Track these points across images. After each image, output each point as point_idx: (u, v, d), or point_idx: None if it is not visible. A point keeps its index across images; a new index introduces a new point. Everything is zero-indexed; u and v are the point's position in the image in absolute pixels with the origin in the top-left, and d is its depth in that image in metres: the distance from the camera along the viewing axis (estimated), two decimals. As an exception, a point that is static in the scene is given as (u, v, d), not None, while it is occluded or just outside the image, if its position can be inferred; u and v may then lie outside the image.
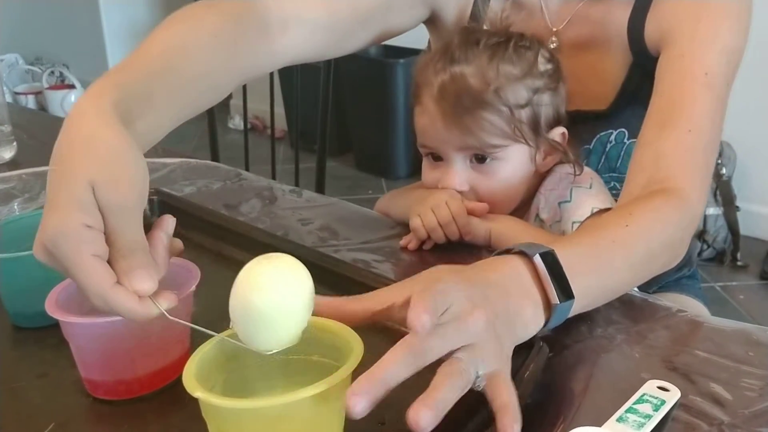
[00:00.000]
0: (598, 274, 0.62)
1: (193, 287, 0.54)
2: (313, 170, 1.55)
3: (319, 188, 1.54)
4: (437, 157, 0.82)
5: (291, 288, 0.46)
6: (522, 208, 0.86)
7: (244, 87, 1.69)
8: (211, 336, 0.48)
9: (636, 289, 0.87)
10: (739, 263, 2.37)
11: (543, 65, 0.80)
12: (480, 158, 0.79)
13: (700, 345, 0.60)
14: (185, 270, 0.56)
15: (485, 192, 0.81)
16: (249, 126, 1.89)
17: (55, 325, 0.53)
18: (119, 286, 0.46)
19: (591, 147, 0.92)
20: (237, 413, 0.41)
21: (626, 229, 0.65)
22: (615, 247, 0.64)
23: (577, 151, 0.84)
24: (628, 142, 0.91)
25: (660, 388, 0.53)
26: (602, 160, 0.92)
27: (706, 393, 0.54)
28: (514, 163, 0.80)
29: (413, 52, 3.23)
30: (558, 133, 0.82)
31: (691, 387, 0.54)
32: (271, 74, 1.74)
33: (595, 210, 0.79)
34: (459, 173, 0.80)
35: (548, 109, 0.80)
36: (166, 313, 0.48)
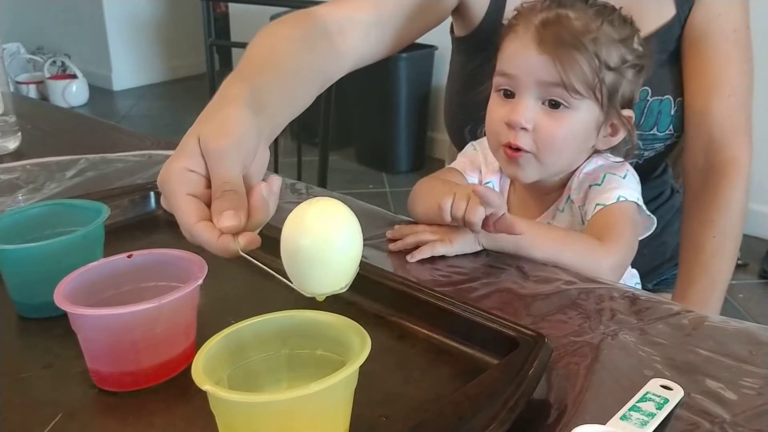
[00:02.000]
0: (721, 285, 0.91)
1: (201, 280, 0.54)
2: (313, 163, 1.55)
3: (322, 182, 1.54)
4: (509, 94, 0.82)
5: (337, 227, 0.47)
6: (558, 190, 0.88)
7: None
8: (280, 279, 0.49)
9: (640, 283, 0.90)
10: (739, 262, 2.36)
11: (636, 44, 0.82)
12: (553, 104, 0.80)
13: (703, 343, 0.61)
14: (193, 264, 0.56)
15: (545, 138, 0.80)
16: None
17: (61, 316, 0.54)
18: (205, 222, 0.51)
19: None
20: (246, 407, 0.42)
21: (715, 240, 0.91)
22: (716, 259, 0.90)
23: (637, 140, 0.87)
24: (651, 100, 0.96)
25: (663, 386, 0.53)
26: None
27: (708, 391, 0.54)
28: (582, 119, 0.81)
29: (416, 47, 3.23)
30: (626, 114, 0.84)
31: (693, 385, 0.54)
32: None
33: (621, 199, 0.81)
34: (529, 109, 0.80)
35: (627, 85, 0.82)
36: (242, 252, 0.50)
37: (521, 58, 0.80)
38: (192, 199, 0.52)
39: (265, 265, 0.51)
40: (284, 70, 0.72)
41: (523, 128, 0.80)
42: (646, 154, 1.00)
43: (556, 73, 0.77)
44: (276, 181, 0.54)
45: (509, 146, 0.82)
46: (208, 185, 0.53)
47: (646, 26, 0.93)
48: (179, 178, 0.52)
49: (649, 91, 0.95)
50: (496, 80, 0.83)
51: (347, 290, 0.64)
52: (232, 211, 0.50)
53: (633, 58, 0.81)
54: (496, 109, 0.83)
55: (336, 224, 0.47)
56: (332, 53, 0.83)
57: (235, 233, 0.51)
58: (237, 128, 0.55)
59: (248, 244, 0.51)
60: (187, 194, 0.52)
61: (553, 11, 0.80)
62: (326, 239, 0.46)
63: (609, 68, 0.79)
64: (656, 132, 0.98)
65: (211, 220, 0.51)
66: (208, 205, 0.52)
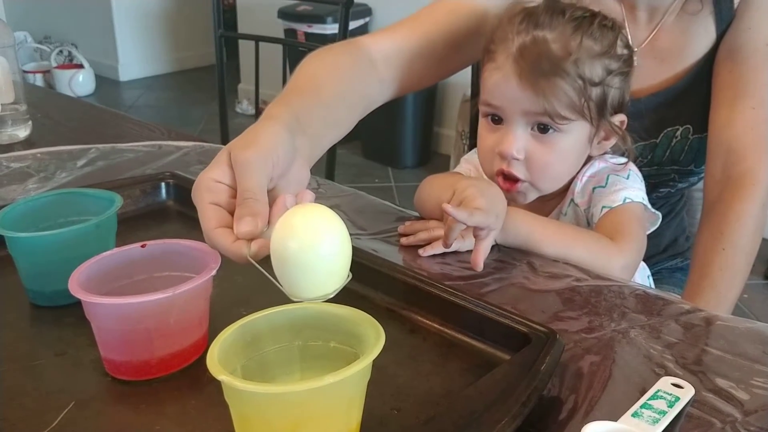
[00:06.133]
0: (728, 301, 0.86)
1: (214, 271, 0.54)
2: (320, 157, 1.55)
3: (329, 174, 1.54)
4: (497, 120, 0.81)
5: (324, 232, 0.48)
6: (560, 194, 0.87)
7: (256, 72, 1.69)
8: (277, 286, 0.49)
9: (650, 276, 0.90)
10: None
11: (620, 49, 0.80)
12: (542, 128, 0.79)
13: (714, 342, 0.61)
14: (206, 254, 0.56)
15: (539, 163, 0.80)
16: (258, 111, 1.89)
17: (73, 305, 0.54)
18: (223, 228, 0.53)
19: (657, 141, 0.95)
20: (262, 398, 0.42)
21: (724, 253, 0.86)
22: (725, 274, 0.86)
23: (631, 145, 0.85)
24: (692, 138, 0.95)
25: (674, 384, 0.53)
26: (666, 154, 0.96)
27: (720, 390, 0.54)
28: (573, 139, 0.80)
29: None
30: (618, 119, 0.83)
31: (705, 384, 0.55)
32: (283, 59, 1.74)
33: (627, 201, 0.81)
34: (518, 138, 0.79)
35: (616, 93, 0.81)
36: (250, 258, 0.51)
37: (504, 90, 0.78)
38: (214, 206, 0.55)
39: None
40: (327, 95, 0.75)
41: (515, 158, 0.79)
42: (680, 185, 1.01)
43: (541, 104, 0.76)
44: (307, 195, 0.55)
45: (503, 174, 0.81)
46: (234, 195, 0.55)
47: (691, 56, 0.93)
48: (206, 187, 0.55)
49: (691, 129, 0.95)
50: (483, 108, 0.82)
51: (359, 284, 0.65)
52: (250, 217, 0.52)
53: (618, 65, 0.79)
54: (486, 137, 0.83)
55: (324, 230, 0.48)
56: (375, 81, 0.85)
57: (251, 239, 0.52)
58: (266, 141, 0.57)
59: (260, 249, 0.52)
60: (210, 202, 0.55)
61: (529, 34, 0.77)
62: (313, 244, 0.47)
63: (594, 84, 0.77)
64: (693, 167, 0.98)
65: (231, 228, 0.53)
66: (233, 214, 0.54)
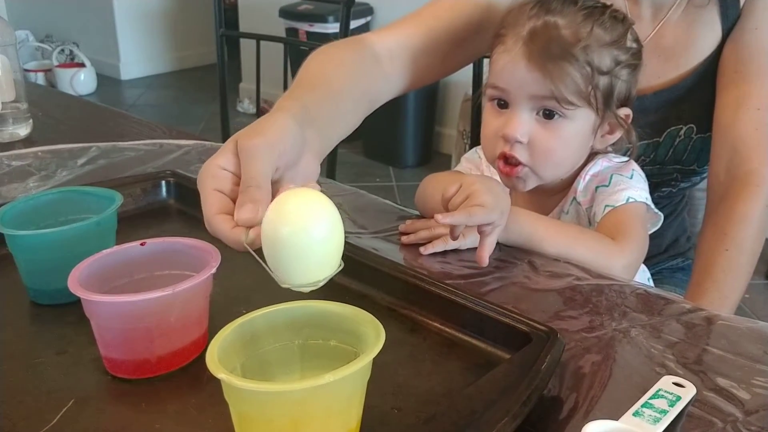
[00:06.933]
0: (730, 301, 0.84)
1: (214, 269, 0.54)
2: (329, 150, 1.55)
3: (330, 173, 1.54)
4: (502, 105, 0.81)
5: (317, 217, 0.47)
6: (562, 192, 0.87)
7: (257, 71, 1.69)
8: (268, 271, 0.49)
9: (651, 278, 0.90)
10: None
11: (630, 42, 0.81)
12: (547, 113, 0.79)
13: (715, 342, 0.60)
14: (206, 253, 0.56)
15: (542, 149, 0.80)
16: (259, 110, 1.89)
17: (74, 303, 0.54)
18: (223, 215, 0.54)
19: (661, 140, 0.95)
20: (261, 396, 0.42)
21: (727, 254, 0.85)
22: (729, 275, 0.85)
23: (636, 139, 0.85)
24: (695, 137, 0.95)
25: (675, 383, 0.53)
26: (669, 153, 0.96)
27: (721, 390, 0.54)
28: (578, 127, 0.80)
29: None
30: (624, 113, 0.83)
31: (705, 383, 0.54)
32: (284, 58, 1.74)
33: (631, 200, 0.81)
34: (523, 123, 0.79)
35: (623, 85, 0.81)
36: (246, 244, 0.51)
37: (512, 73, 0.79)
38: (217, 193, 0.55)
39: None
40: (334, 91, 0.75)
41: (519, 141, 0.79)
42: (682, 185, 1.01)
43: (548, 87, 0.76)
44: (312, 185, 0.55)
45: (504, 158, 0.81)
46: (239, 184, 0.55)
47: (696, 55, 0.93)
48: (210, 173, 0.56)
49: (694, 128, 0.94)
50: (489, 92, 0.82)
51: (360, 282, 0.65)
52: (251, 204, 0.52)
53: (627, 57, 0.80)
54: (491, 121, 0.83)
55: (316, 214, 0.48)
56: (381, 77, 0.85)
57: (250, 226, 0.52)
58: (272, 130, 0.58)
59: (257, 237, 0.52)
60: (214, 189, 0.55)
61: (540, 19, 0.78)
62: (305, 227, 0.47)
63: (602, 73, 0.78)
64: (696, 167, 0.98)
65: (232, 215, 0.53)
66: (236, 202, 0.54)
